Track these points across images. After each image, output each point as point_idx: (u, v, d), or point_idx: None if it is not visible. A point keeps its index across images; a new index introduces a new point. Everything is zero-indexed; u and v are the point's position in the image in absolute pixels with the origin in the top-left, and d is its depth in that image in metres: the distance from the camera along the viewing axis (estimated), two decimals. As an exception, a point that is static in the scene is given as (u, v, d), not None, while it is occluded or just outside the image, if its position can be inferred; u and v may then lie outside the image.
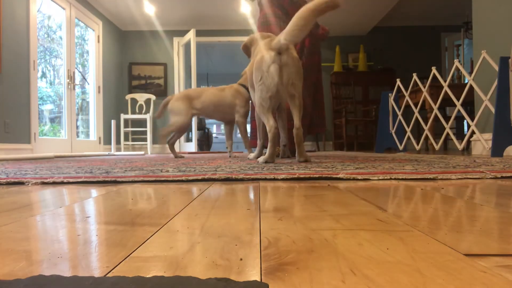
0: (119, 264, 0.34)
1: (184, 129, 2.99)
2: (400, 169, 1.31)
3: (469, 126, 3.20)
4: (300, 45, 2.78)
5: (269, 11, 2.83)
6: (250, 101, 2.91)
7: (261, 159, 1.83)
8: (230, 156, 3.04)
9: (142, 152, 5.33)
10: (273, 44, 1.80)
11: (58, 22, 5.13)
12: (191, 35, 6.41)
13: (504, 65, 2.52)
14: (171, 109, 2.98)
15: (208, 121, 10.18)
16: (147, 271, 0.32)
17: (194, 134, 6.52)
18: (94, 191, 0.91)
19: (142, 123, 6.76)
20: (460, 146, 3.20)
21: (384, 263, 0.33)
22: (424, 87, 3.67)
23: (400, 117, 3.89)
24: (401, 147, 3.87)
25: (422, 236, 0.43)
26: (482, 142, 2.92)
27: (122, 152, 5.84)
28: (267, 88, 1.80)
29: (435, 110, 3.43)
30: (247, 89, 2.88)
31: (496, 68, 2.63)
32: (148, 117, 6.41)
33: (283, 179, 1.11)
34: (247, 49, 2.32)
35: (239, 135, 11.22)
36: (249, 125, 3.10)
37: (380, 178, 1.08)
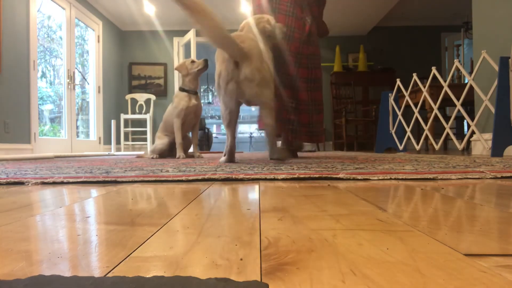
0: (119, 264, 0.34)
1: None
2: (400, 169, 1.31)
3: (469, 126, 3.20)
4: (309, 31, 2.56)
5: None
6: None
7: (223, 159, 1.82)
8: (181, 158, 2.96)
9: (142, 152, 5.33)
10: (230, 52, 1.57)
11: (58, 22, 5.13)
12: (191, 35, 6.41)
13: (504, 65, 2.52)
14: None
15: (208, 121, 10.18)
16: (147, 271, 0.32)
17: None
18: (94, 191, 0.91)
19: (142, 123, 6.75)
20: (460, 146, 3.20)
21: (384, 263, 0.33)
22: (424, 87, 3.67)
23: (400, 117, 3.89)
24: (401, 147, 3.87)
25: (422, 236, 0.43)
26: (482, 142, 2.92)
27: (122, 152, 5.84)
28: (225, 105, 1.71)
29: (435, 110, 3.42)
30: (185, 91, 2.97)
31: (496, 68, 2.63)
32: (148, 117, 6.41)
33: (283, 179, 1.11)
34: None
35: (240, 135, 11.24)
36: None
37: (380, 178, 1.08)
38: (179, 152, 2.91)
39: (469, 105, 4.60)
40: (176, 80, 6.97)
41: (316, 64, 2.66)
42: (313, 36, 2.62)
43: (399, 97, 4.29)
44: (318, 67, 2.68)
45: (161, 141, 3.08)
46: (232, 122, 1.77)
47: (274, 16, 2.53)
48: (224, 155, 2.15)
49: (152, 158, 2.99)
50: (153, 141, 6.88)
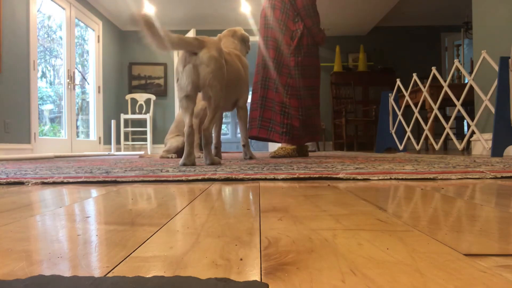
0: (119, 264, 0.34)
1: None
2: (400, 169, 1.31)
3: (469, 126, 3.20)
4: (297, 43, 2.75)
5: None
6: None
7: (180, 161, 1.76)
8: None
9: (142, 152, 5.33)
10: (186, 48, 1.76)
11: (58, 22, 5.13)
12: (191, 35, 6.41)
13: (504, 65, 2.52)
14: None
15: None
16: (147, 271, 0.32)
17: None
18: (94, 191, 0.91)
19: (142, 123, 6.75)
20: (460, 146, 3.20)
21: (384, 263, 0.33)
22: (424, 87, 3.67)
23: (400, 117, 3.89)
24: (401, 147, 3.87)
25: (422, 236, 0.43)
26: (482, 142, 2.91)
27: (122, 152, 5.84)
28: (180, 88, 1.77)
29: (435, 110, 3.42)
30: None
31: (496, 68, 2.63)
32: (148, 117, 6.41)
33: (283, 179, 1.11)
34: None
35: (238, 135, 11.23)
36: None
37: (380, 178, 1.08)
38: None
39: (469, 105, 4.60)
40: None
41: (313, 74, 2.82)
42: (308, 48, 2.78)
43: (399, 97, 4.29)
44: (316, 77, 2.85)
45: (176, 139, 3.08)
46: (189, 108, 1.77)
47: (268, 31, 2.81)
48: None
49: (171, 157, 3.01)
50: (153, 141, 6.89)
